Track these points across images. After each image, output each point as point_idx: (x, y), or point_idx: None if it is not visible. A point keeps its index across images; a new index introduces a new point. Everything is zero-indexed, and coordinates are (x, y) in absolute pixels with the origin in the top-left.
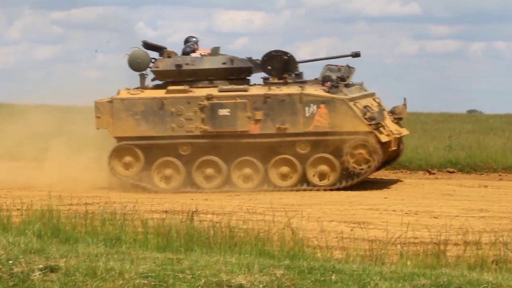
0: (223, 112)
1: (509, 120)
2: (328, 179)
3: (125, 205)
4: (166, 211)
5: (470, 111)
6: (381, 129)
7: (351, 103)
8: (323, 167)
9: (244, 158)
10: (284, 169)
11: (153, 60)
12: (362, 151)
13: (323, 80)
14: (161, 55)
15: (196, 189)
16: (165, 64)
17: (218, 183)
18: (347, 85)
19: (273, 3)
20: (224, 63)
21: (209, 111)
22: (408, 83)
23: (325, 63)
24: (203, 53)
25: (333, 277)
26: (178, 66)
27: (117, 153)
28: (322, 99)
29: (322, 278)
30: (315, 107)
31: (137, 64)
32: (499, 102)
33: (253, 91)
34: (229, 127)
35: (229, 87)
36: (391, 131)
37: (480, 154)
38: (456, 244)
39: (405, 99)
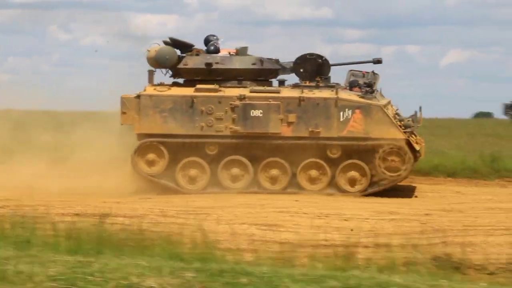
0: (256, 113)
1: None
2: (360, 185)
3: (36, 208)
4: (77, 214)
5: None
6: (412, 137)
7: (386, 110)
8: (353, 173)
9: (272, 159)
10: (313, 172)
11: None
12: (395, 158)
13: (351, 85)
14: (183, 52)
15: (222, 189)
16: (195, 62)
17: (244, 183)
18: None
19: (186, 6)
20: (254, 64)
21: (240, 111)
22: None
23: (346, 68)
24: (232, 52)
25: (243, 279)
26: (208, 64)
27: (142, 150)
28: (358, 105)
29: (233, 281)
30: (350, 112)
31: (165, 61)
32: (411, 106)
33: (286, 93)
34: (261, 129)
35: (261, 88)
36: (419, 139)
37: None
38: (366, 247)
39: (420, 107)
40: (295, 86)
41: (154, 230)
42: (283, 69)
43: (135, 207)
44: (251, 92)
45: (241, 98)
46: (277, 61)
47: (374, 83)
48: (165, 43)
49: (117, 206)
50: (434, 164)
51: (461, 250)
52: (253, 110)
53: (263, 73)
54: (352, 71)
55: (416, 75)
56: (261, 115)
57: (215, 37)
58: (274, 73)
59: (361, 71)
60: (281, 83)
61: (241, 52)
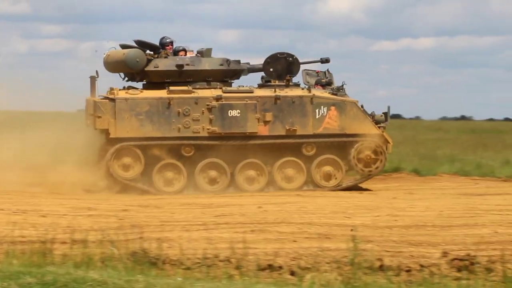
0: (233, 113)
1: None
2: (335, 180)
3: None
4: None
5: None
6: (385, 133)
7: (360, 106)
8: (329, 168)
9: (250, 160)
10: (290, 171)
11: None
12: (370, 153)
13: (315, 83)
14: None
15: (200, 192)
16: (165, 64)
17: (222, 185)
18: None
19: None
20: (221, 65)
21: (218, 112)
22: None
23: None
24: (198, 54)
25: None
26: (179, 66)
27: (118, 154)
28: (333, 102)
29: None
30: (325, 109)
31: (135, 64)
32: None
33: (260, 92)
34: (239, 128)
35: (235, 88)
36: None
37: None
38: (63, 243)
39: (389, 107)
40: (263, 85)
41: None
42: (245, 70)
43: None
44: (225, 92)
45: (218, 98)
46: (239, 62)
47: (331, 81)
48: (123, 46)
49: None
50: None
51: (158, 246)
52: (230, 110)
53: (229, 74)
54: (306, 71)
55: None
56: (238, 115)
57: (169, 39)
58: (239, 73)
59: (315, 71)
60: (227, 84)
61: (206, 53)
